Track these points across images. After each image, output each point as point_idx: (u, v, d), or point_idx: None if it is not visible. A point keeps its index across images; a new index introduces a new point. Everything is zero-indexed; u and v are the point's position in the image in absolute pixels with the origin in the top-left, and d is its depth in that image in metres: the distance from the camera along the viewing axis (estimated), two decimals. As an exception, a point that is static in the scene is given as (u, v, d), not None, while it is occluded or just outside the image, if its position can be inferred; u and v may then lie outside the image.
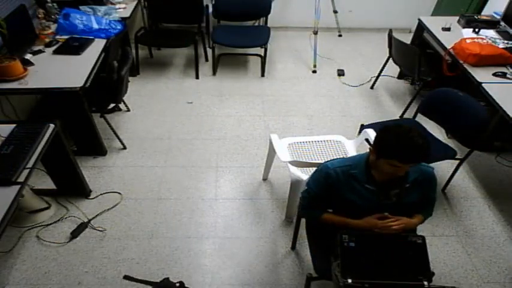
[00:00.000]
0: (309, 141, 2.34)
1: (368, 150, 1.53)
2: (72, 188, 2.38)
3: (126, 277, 1.99)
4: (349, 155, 2.22)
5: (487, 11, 3.36)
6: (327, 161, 1.61)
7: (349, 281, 1.40)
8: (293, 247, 2.18)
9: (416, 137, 1.36)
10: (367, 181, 1.53)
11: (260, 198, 2.48)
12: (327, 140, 2.35)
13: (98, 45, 2.65)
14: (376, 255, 1.47)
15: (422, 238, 1.47)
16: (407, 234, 1.51)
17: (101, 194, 2.45)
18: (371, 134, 2.19)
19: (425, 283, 1.43)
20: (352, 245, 1.48)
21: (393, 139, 1.37)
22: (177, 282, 1.96)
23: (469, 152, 2.31)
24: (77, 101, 2.32)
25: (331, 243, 1.57)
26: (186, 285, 1.95)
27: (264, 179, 2.62)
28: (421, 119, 2.50)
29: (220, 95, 3.44)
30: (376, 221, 1.53)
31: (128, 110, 3.20)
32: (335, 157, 2.23)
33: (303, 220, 1.98)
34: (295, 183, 2.12)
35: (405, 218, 1.55)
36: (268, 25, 3.82)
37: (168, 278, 1.98)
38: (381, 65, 3.47)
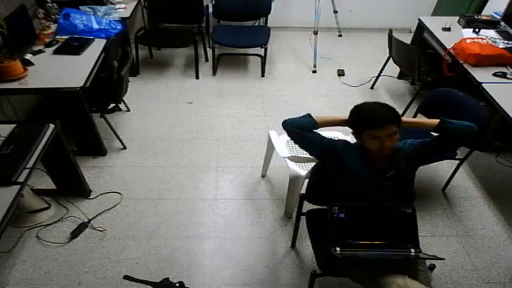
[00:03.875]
0: None
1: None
2: (72, 188, 2.38)
3: (126, 277, 1.99)
4: None
5: (487, 11, 3.36)
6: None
7: (338, 249, 1.45)
8: (293, 245, 2.18)
9: (373, 103, 1.51)
10: (368, 165, 1.56)
11: (260, 198, 2.48)
12: None
13: (98, 45, 2.65)
14: (365, 225, 1.52)
15: (413, 208, 1.52)
16: (398, 204, 1.54)
17: (101, 194, 2.45)
18: None
19: (412, 250, 1.48)
20: (342, 216, 1.52)
21: (356, 111, 1.52)
22: (177, 282, 1.96)
23: (469, 152, 2.31)
24: (77, 101, 2.32)
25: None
26: (186, 285, 1.95)
27: (263, 176, 2.63)
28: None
29: (220, 95, 3.44)
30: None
31: (128, 110, 3.20)
32: None
33: (303, 219, 1.97)
34: (294, 178, 2.14)
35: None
36: (268, 25, 3.82)
37: (168, 278, 1.98)
38: (381, 65, 3.47)
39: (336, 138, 1.65)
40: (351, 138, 2.16)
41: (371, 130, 1.44)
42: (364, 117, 1.48)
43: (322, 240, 1.72)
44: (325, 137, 1.62)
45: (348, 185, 1.59)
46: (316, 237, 1.79)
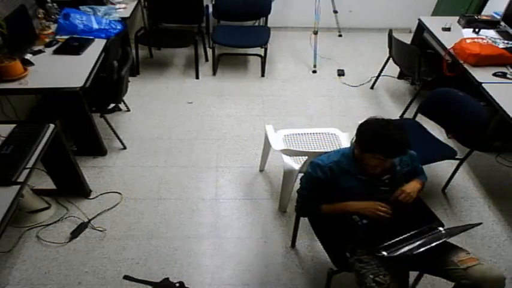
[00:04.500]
0: (305, 133, 2.40)
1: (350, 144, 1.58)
2: (72, 188, 2.38)
3: (126, 277, 1.99)
4: (343, 147, 2.25)
5: (487, 11, 3.36)
6: (314, 159, 1.63)
7: (384, 253, 1.45)
8: (293, 245, 2.19)
9: (394, 131, 1.39)
10: (359, 172, 1.56)
11: (260, 198, 2.48)
12: (322, 133, 2.41)
13: (98, 45, 2.65)
14: (388, 223, 1.54)
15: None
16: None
17: (101, 194, 2.45)
18: None
19: (440, 228, 1.53)
20: (365, 222, 1.55)
21: (372, 134, 1.42)
22: (177, 283, 1.96)
23: (469, 152, 2.31)
24: (77, 101, 2.32)
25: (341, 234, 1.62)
26: (186, 286, 1.95)
27: (261, 170, 2.66)
28: (421, 119, 2.50)
29: (220, 95, 3.44)
30: (379, 204, 1.55)
31: (128, 110, 3.20)
32: (330, 149, 2.27)
33: (303, 218, 1.98)
34: (288, 172, 2.17)
35: (406, 186, 1.60)
36: (268, 25, 3.82)
37: (168, 278, 1.98)
38: (381, 65, 3.47)
39: (326, 164, 1.59)
40: (348, 137, 2.18)
41: (380, 155, 1.42)
42: (380, 145, 1.40)
43: (331, 237, 1.74)
44: (315, 188, 1.63)
45: (348, 197, 1.61)
46: (324, 236, 1.78)
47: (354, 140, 1.53)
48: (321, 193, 1.63)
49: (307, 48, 4.05)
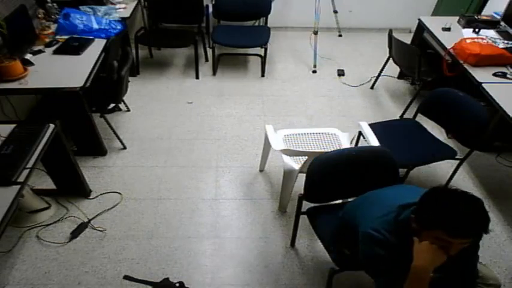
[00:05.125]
0: (305, 133, 2.41)
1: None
2: (72, 188, 2.38)
3: (126, 277, 1.99)
4: (343, 147, 2.28)
5: (487, 11, 3.36)
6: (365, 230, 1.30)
7: None
8: (292, 245, 2.19)
9: (480, 210, 1.09)
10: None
11: (260, 198, 2.48)
12: (322, 133, 2.41)
13: (98, 45, 2.65)
14: None
15: None
16: None
17: (101, 194, 2.45)
18: (364, 127, 2.28)
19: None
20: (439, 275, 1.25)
21: (444, 206, 1.10)
22: (177, 283, 1.96)
23: (469, 152, 2.31)
24: (77, 101, 2.32)
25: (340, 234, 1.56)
26: (186, 286, 1.95)
27: (261, 170, 2.66)
28: (421, 119, 2.50)
29: (220, 95, 3.44)
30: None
31: (128, 110, 3.20)
32: (330, 149, 2.27)
33: (303, 219, 1.97)
34: (288, 172, 2.17)
35: None
36: (268, 25, 3.82)
37: (168, 278, 1.98)
38: (381, 65, 3.47)
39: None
40: (348, 137, 2.13)
41: (447, 236, 1.10)
42: (453, 222, 1.08)
43: (335, 238, 1.70)
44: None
45: None
46: (325, 235, 1.77)
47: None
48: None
49: (307, 48, 4.05)
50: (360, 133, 2.33)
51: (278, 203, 2.41)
